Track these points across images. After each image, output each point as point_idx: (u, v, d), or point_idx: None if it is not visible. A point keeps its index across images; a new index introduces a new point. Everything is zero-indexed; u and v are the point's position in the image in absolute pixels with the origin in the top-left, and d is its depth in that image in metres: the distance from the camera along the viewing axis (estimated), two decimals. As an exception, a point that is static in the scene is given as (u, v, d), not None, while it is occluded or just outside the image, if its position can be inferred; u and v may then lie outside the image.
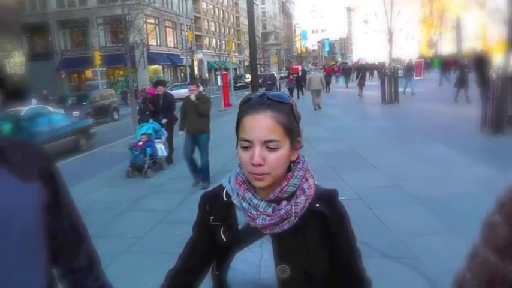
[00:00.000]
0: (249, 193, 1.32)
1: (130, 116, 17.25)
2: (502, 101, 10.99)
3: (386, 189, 7.25)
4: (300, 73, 33.47)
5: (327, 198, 1.36)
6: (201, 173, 8.41)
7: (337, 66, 48.68)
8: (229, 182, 1.39)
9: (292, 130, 1.29)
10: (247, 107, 1.29)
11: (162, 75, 54.30)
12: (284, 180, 1.31)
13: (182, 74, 58.08)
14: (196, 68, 64.43)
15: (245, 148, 1.27)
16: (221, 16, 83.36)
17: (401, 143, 11.00)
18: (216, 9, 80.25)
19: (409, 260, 4.63)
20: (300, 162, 1.37)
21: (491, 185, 5.66)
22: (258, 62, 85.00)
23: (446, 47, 74.35)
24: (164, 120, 10.50)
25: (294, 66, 59.83)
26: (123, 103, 33.27)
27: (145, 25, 44.71)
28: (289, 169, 1.34)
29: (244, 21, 78.96)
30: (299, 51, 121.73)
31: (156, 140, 10.02)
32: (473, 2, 18.16)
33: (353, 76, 42.79)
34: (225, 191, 1.39)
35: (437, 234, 5.19)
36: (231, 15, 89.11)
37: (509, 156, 8.56)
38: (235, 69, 66.10)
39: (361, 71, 29.55)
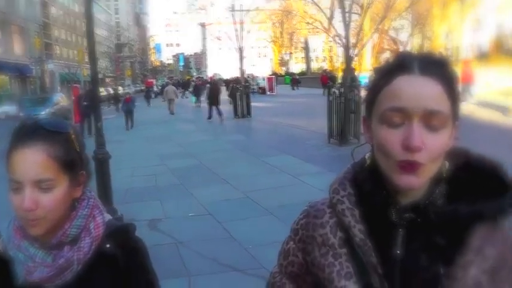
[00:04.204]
0: (25, 241, 1.12)
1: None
2: (345, 116, 11.94)
3: (236, 202, 7.38)
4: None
5: (120, 236, 1.19)
6: None
7: (200, 80, 46.54)
8: (9, 227, 1.16)
9: (71, 164, 1.12)
10: (16, 139, 1.08)
11: (9, 87, 49.44)
12: (67, 222, 1.13)
13: (32, 86, 53.45)
14: (47, 80, 59.84)
15: (15, 190, 1.06)
16: (73, 24, 78.52)
17: (252, 156, 11.31)
18: (67, 16, 75.48)
19: (256, 271, 4.70)
20: (85, 199, 1.19)
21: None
22: (113, 75, 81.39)
23: (297, 66, 79.41)
24: None
25: (149, 80, 58.87)
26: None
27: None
28: (74, 207, 1.16)
29: (98, 30, 75.28)
30: (154, 65, 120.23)
31: None
32: (319, 26, 19.62)
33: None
34: (1, 239, 1.17)
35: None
36: (84, 24, 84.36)
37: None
38: (89, 81, 62.81)
39: (233, 84, 30.19)
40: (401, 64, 0.91)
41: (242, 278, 4.66)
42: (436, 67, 0.90)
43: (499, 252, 0.93)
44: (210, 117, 21.00)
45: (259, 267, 4.79)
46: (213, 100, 21.01)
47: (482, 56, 38.46)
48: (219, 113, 20.40)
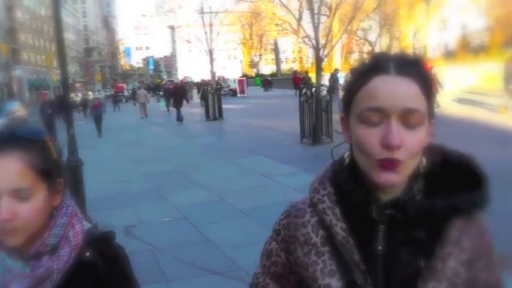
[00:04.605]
0: (2, 252, 1.08)
1: None
2: (317, 115, 12.05)
3: (211, 205, 7.35)
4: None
5: (100, 244, 1.17)
6: None
7: (172, 83, 45.13)
8: None
9: (49, 172, 1.09)
10: None
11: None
12: (46, 231, 1.09)
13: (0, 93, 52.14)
14: (15, 87, 58.34)
15: None
16: (40, 28, 76.62)
17: (225, 158, 11.28)
18: (34, 20, 73.66)
19: (234, 273, 4.72)
20: (63, 207, 1.15)
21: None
22: (82, 80, 79.69)
23: (267, 67, 79.69)
24: None
25: (119, 85, 58.08)
26: None
27: None
28: (52, 216, 1.13)
29: (66, 34, 73.24)
30: (124, 69, 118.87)
31: None
32: (288, 28, 19.68)
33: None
34: None
35: (261, 244, 5.35)
36: (52, 28, 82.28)
37: (327, 162, 9.28)
38: (59, 87, 61.40)
39: (204, 87, 29.99)
40: (377, 65, 0.93)
41: (220, 280, 4.66)
42: (412, 67, 0.92)
43: (475, 244, 0.97)
44: (180, 120, 21.48)
45: (236, 269, 4.81)
46: (178, 103, 22.41)
47: (449, 55, 39.40)
48: (178, 115, 21.78)
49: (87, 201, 6.26)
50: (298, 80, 32.74)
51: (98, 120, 19.23)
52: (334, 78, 21.38)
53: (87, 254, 1.13)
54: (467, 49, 38.20)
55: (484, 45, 36.22)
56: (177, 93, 23.65)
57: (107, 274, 1.13)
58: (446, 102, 16.09)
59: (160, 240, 5.84)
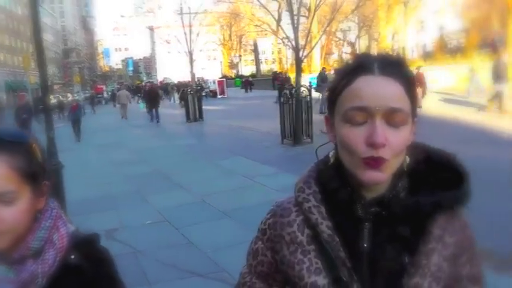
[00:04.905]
0: None
1: None
2: (297, 116, 12.10)
3: (192, 206, 7.31)
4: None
5: (85, 246, 1.15)
6: None
7: (152, 84, 44.08)
8: None
9: (34, 175, 1.07)
10: None
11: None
12: (30, 234, 1.07)
13: (-24, 96, 51.12)
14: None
15: None
16: (16, 28, 75.14)
17: (206, 159, 11.25)
18: (10, 20, 72.20)
19: (217, 274, 4.71)
20: (48, 210, 1.13)
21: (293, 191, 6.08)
22: (61, 82, 78.30)
23: (247, 68, 79.77)
24: None
25: (98, 86, 57.46)
26: None
27: None
28: (37, 219, 1.11)
29: (44, 34, 71.80)
30: (103, 70, 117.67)
31: None
32: (268, 28, 19.75)
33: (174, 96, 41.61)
34: None
35: (243, 244, 5.35)
36: (29, 28, 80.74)
37: (308, 162, 9.34)
38: (37, 89, 60.39)
39: (183, 88, 29.67)
40: (361, 65, 0.95)
41: (203, 282, 4.64)
42: (395, 67, 0.94)
43: (458, 240, 1.00)
44: (157, 120, 22.46)
45: (219, 270, 4.80)
46: (152, 104, 23.47)
47: (427, 56, 40.00)
48: (156, 116, 22.69)
49: (67, 205, 6.18)
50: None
51: (76, 123, 18.18)
52: (322, 76, 21.47)
53: (72, 257, 1.12)
54: (444, 50, 38.84)
55: (461, 46, 36.87)
56: (152, 94, 24.65)
57: (92, 277, 1.12)
58: (427, 102, 16.33)
59: (143, 243, 5.79)
